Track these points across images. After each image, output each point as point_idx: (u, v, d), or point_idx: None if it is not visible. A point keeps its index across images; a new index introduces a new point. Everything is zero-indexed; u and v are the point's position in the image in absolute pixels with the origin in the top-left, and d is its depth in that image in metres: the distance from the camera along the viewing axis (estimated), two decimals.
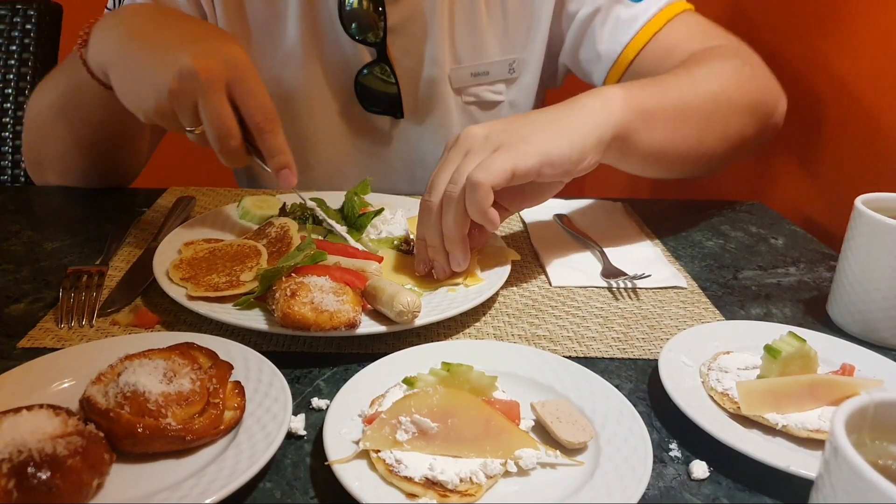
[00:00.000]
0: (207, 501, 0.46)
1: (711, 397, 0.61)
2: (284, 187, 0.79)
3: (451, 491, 0.49)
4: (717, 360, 0.65)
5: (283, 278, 0.69)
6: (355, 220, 0.88)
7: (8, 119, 1.29)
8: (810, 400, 0.59)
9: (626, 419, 0.56)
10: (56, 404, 0.52)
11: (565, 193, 0.87)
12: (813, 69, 1.15)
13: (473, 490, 0.49)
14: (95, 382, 0.55)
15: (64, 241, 0.89)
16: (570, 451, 0.54)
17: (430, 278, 0.78)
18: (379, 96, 1.08)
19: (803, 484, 0.48)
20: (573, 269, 0.86)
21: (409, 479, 0.49)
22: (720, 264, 0.90)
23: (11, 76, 1.30)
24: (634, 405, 0.58)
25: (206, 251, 0.79)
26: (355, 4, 1.01)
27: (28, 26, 1.31)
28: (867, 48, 1.04)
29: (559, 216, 0.99)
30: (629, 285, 0.82)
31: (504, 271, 0.79)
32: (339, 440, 0.52)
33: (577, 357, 0.69)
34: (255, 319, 0.68)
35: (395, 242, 0.85)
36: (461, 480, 0.49)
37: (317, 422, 0.57)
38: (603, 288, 0.83)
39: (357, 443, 0.52)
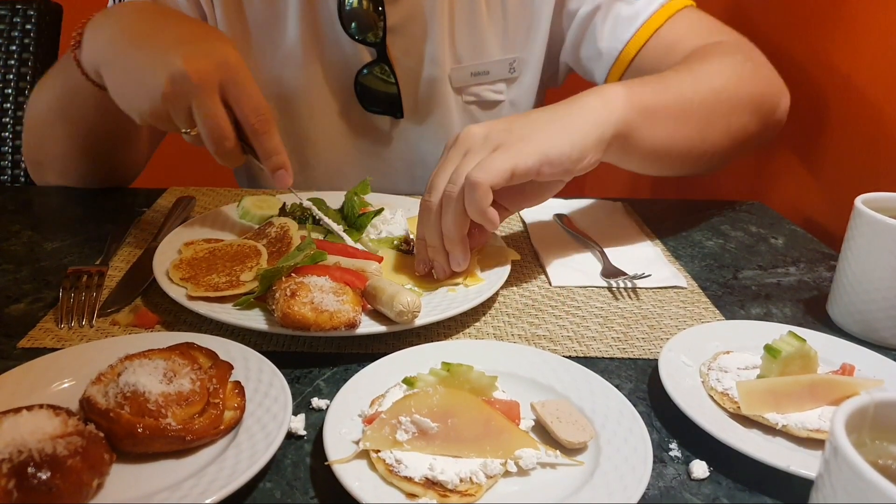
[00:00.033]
0: (207, 501, 0.46)
1: (711, 397, 0.61)
2: (280, 187, 0.79)
3: (451, 491, 0.49)
4: (717, 360, 0.65)
5: (283, 278, 0.69)
6: (355, 220, 0.88)
7: (8, 119, 1.29)
8: (810, 400, 0.59)
9: (626, 419, 0.56)
10: (56, 404, 0.52)
11: (565, 193, 0.87)
12: (813, 68, 1.15)
13: (473, 490, 0.49)
14: (95, 382, 0.55)
15: (64, 241, 0.89)
16: (570, 450, 0.54)
17: (430, 278, 0.78)
18: (379, 96, 1.08)
19: (803, 484, 0.48)
20: (573, 269, 0.86)
21: (409, 479, 0.49)
22: (720, 264, 0.90)
23: (11, 76, 1.30)
24: (634, 405, 0.58)
25: (206, 251, 0.79)
26: (355, 4, 1.00)
27: (28, 26, 1.31)
28: (868, 47, 1.04)
29: (559, 216, 0.99)
30: (629, 285, 0.82)
31: (504, 271, 0.79)
32: (339, 440, 0.52)
33: (577, 357, 0.69)
34: (255, 319, 0.68)
35: (395, 242, 0.85)
36: (461, 480, 0.50)
37: (317, 422, 0.57)
38: (603, 288, 0.83)
39: (357, 443, 0.52)
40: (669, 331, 0.74)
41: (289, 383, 0.58)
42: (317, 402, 0.60)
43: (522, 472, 0.52)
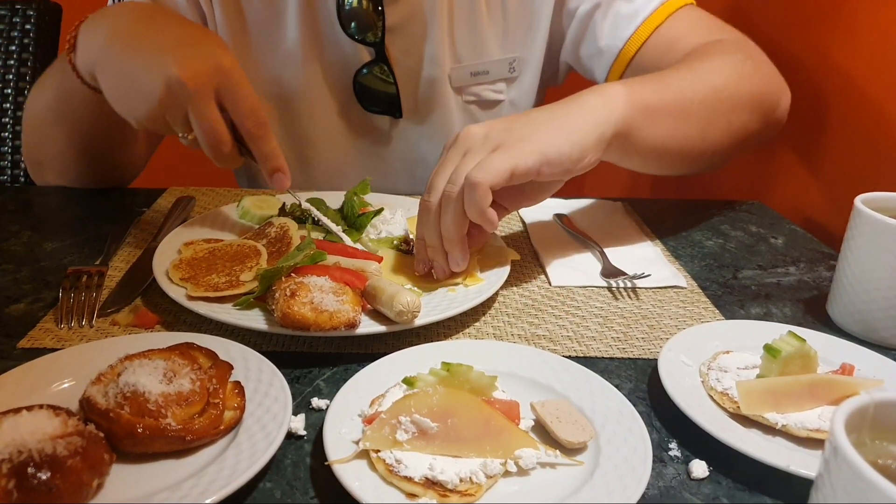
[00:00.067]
0: (207, 501, 0.46)
1: (711, 397, 0.61)
2: (278, 190, 0.79)
3: (450, 491, 0.49)
4: (717, 360, 0.65)
5: (283, 278, 0.69)
6: (355, 220, 0.88)
7: (7, 119, 1.29)
8: (810, 399, 0.59)
9: (625, 419, 0.56)
10: (56, 405, 0.52)
11: (565, 193, 0.87)
12: (813, 67, 1.15)
13: (473, 490, 0.49)
14: (95, 383, 0.55)
15: (64, 242, 0.89)
16: (569, 450, 0.54)
17: (429, 278, 0.78)
18: (378, 96, 1.08)
19: (803, 483, 0.48)
20: (573, 269, 0.86)
21: (409, 479, 0.49)
22: (720, 264, 0.90)
23: (11, 76, 1.30)
24: (634, 405, 0.58)
25: (205, 251, 0.79)
26: (354, 4, 1.00)
27: (27, 26, 1.31)
28: (868, 46, 1.04)
29: (559, 216, 0.99)
30: (629, 285, 0.82)
31: (504, 271, 0.79)
32: (339, 440, 0.53)
33: (576, 357, 0.69)
34: (254, 319, 0.68)
35: (395, 242, 0.85)
36: (461, 480, 0.50)
37: (317, 422, 0.57)
38: (603, 287, 0.83)
39: (357, 443, 0.52)
40: (669, 330, 0.74)
41: (289, 383, 0.58)
42: (317, 402, 0.60)
43: (522, 471, 0.52)
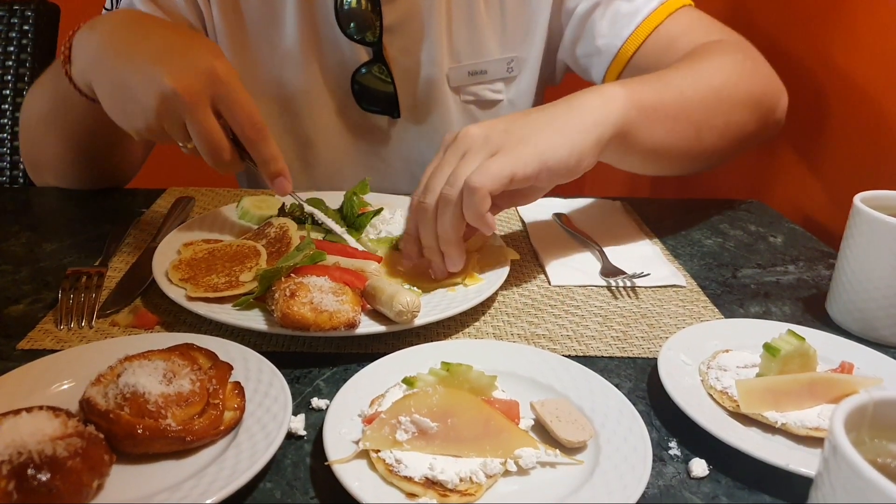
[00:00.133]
0: (208, 502, 0.46)
1: (711, 396, 0.61)
2: (280, 194, 0.79)
3: (451, 490, 0.49)
4: (717, 359, 0.65)
5: (283, 278, 0.69)
6: (354, 219, 0.88)
7: (6, 120, 1.29)
8: (809, 398, 0.59)
9: (625, 418, 0.56)
10: (56, 406, 0.52)
11: (564, 192, 0.87)
12: (812, 67, 1.16)
13: (473, 489, 0.49)
14: (95, 384, 0.55)
15: (63, 242, 0.89)
16: (569, 450, 0.54)
17: (428, 278, 0.78)
18: (377, 95, 1.08)
19: (803, 482, 0.48)
20: (572, 269, 0.86)
21: (409, 479, 0.49)
22: (719, 263, 0.90)
23: (9, 77, 1.29)
24: (634, 404, 0.58)
25: (205, 252, 0.79)
26: (353, 4, 1.00)
27: (25, 27, 1.31)
28: (868, 45, 1.04)
29: (558, 215, 0.99)
30: (628, 284, 0.82)
31: (503, 271, 0.79)
32: (339, 440, 0.53)
33: (576, 356, 0.69)
34: (254, 320, 0.68)
35: (395, 242, 0.85)
36: (461, 480, 0.50)
37: (317, 422, 0.57)
38: (602, 287, 0.83)
39: (357, 443, 0.52)
40: (668, 330, 0.74)
41: (288, 383, 0.58)
42: (316, 402, 0.60)
43: (522, 471, 0.52)
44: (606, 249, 0.88)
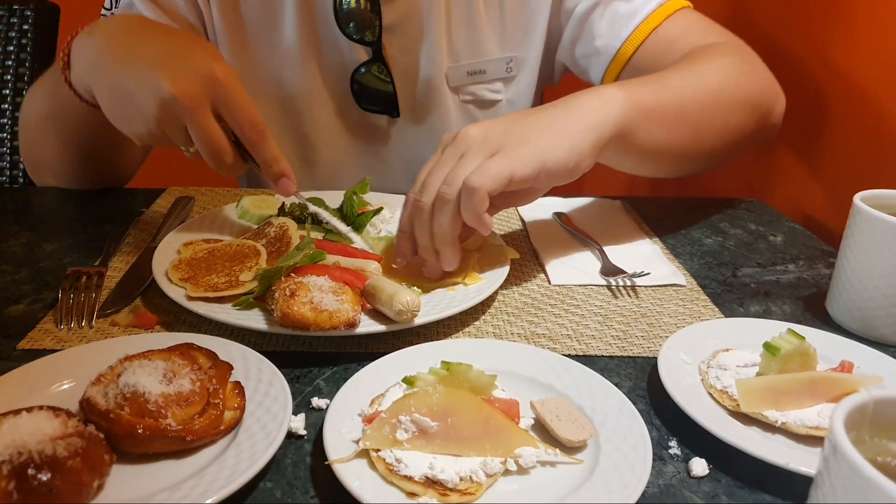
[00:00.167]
0: (208, 502, 0.46)
1: (711, 395, 0.61)
2: (284, 195, 0.79)
3: (451, 490, 0.49)
4: (717, 358, 0.65)
5: (283, 278, 0.69)
6: (354, 219, 0.88)
7: (6, 120, 1.29)
8: (809, 397, 0.59)
9: (625, 417, 0.56)
10: (56, 406, 0.52)
11: (564, 192, 0.87)
12: (812, 65, 1.16)
13: (473, 489, 0.49)
14: (95, 383, 0.55)
15: (63, 242, 0.89)
16: (569, 449, 0.54)
17: (423, 276, 0.78)
18: (376, 95, 1.08)
19: (803, 481, 0.48)
20: (572, 268, 0.86)
21: (409, 479, 0.49)
22: (719, 262, 0.90)
23: (9, 77, 1.29)
24: (634, 403, 0.58)
25: (205, 251, 0.79)
26: (352, 4, 1.00)
27: (25, 27, 1.30)
28: (867, 44, 1.04)
29: (558, 214, 0.99)
30: (628, 283, 0.82)
31: (503, 270, 0.79)
32: (339, 439, 0.53)
33: (576, 355, 0.69)
34: (254, 319, 0.68)
35: (395, 241, 0.85)
36: (461, 479, 0.50)
37: (317, 421, 0.57)
38: (602, 286, 0.83)
39: (357, 442, 0.52)
40: (668, 329, 0.74)
41: (288, 383, 0.58)
42: (317, 401, 0.60)
43: (522, 470, 0.52)
44: (606, 248, 0.89)
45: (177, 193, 1.03)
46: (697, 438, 0.57)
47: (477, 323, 0.74)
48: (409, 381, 0.56)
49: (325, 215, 0.85)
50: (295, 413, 0.58)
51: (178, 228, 0.87)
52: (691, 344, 0.67)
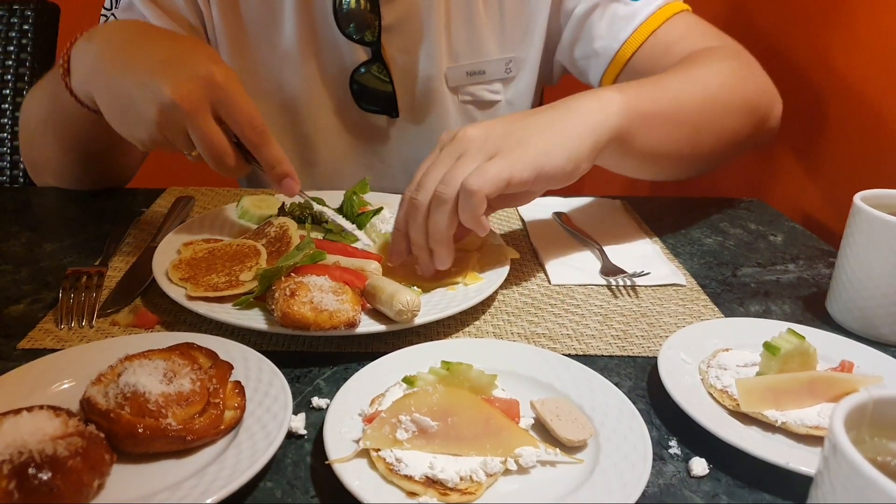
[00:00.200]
0: (208, 501, 0.46)
1: (711, 394, 0.61)
2: (288, 195, 0.79)
3: (451, 489, 0.49)
4: (717, 358, 0.65)
5: (283, 278, 0.69)
6: (354, 219, 0.88)
7: (6, 120, 1.29)
8: (809, 397, 0.59)
9: (625, 417, 0.56)
10: (56, 405, 0.52)
11: (564, 191, 0.87)
12: (812, 65, 1.16)
13: (473, 488, 0.49)
14: (95, 383, 0.55)
15: (63, 242, 0.89)
16: (569, 448, 0.54)
17: (427, 277, 0.78)
18: (376, 95, 1.08)
19: (803, 481, 0.48)
20: (572, 268, 0.86)
21: (409, 478, 0.49)
22: (719, 261, 0.90)
23: (9, 77, 1.30)
24: (634, 403, 0.58)
25: (205, 251, 0.79)
26: (352, 4, 1.00)
27: (25, 27, 1.31)
28: (867, 44, 1.04)
29: (558, 214, 0.99)
30: (628, 283, 0.82)
31: (503, 270, 0.79)
32: (340, 439, 0.53)
33: (576, 355, 0.69)
34: (254, 319, 0.68)
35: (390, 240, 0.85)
36: (461, 479, 0.50)
37: (317, 421, 0.57)
38: (602, 286, 0.83)
39: (357, 442, 0.52)
40: (668, 328, 0.74)
41: (289, 382, 0.58)
42: (317, 401, 0.60)
43: (522, 470, 0.52)
44: (606, 248, 0.89)
45: (177, 193, 1.03)
46: (697, 438, 0.57)
47: (477, 323, 0.74)
48: (409, 380, 0.56)
49: (329, 214, 0.85)
50: (295, 413, 0.58)
51: (178, 228, 0.87)
52: (691, 344, 0.67)
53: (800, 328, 0.66)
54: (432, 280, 0.77)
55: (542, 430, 0.56)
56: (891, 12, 0.98)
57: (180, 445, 0.52)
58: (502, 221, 1.00)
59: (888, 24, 0.99)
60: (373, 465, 0.51)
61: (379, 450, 0.51)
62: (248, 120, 0.73)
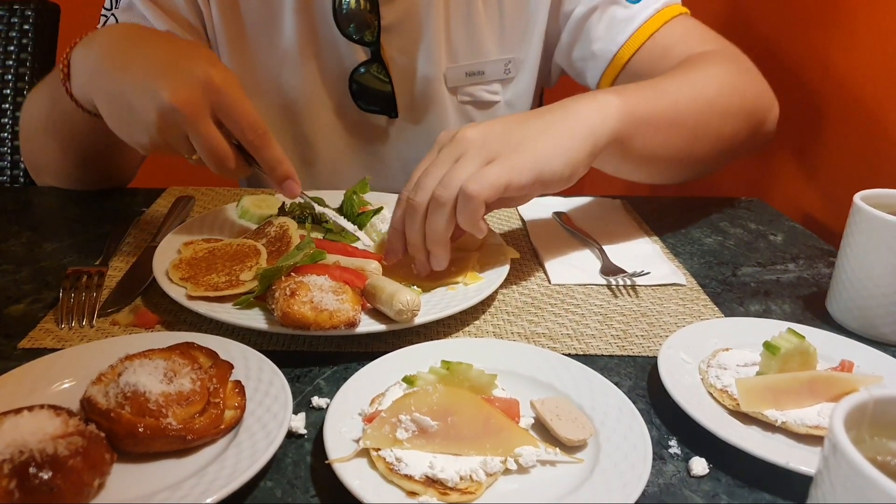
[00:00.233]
0: (208, 501, 0.46)
1: (711, 394, 0.61)
2: (290, 197, 0.79)
3: (451, 489, 0.49)
4: (717, 357, 0.65)
5: (283, 277, 0.69)
6: (354, 218, 0.88)
7: (7, 120, 1.29)
8: (809, 396, 0.59)
9: (625, 416, 0.56)
10: (57, 405, 0.52)
11: (564, 191, 0.87)
12: (812, 65, 1.16)
13: (473, 488, 0.50)
14: (96, 383, 0.55)
15: (63, 242, 0.89)
16: (569, 448, 0.54)
17: (428, 276, 0.78)
18: (375, 95, 1.08)
19: (802, 480, 0.48)
20: (572, 267, 0.86)
21: (409, 478, 0.49)
22: (719, 261, 0.90)
23: (10, 77, 1.30)
24: (634, 402, 0.58)
25: (205, 251, 0.79)
26: (352, 5, 1.00)
27: (26, 26, 1.31)
28: (866, 44, 1.04)
29: (558, 214, 0.99)
30: (628, 283, 0.82)
31: (503, 269, 0.79)
32: (340, 439, 0.53)
33: (576, 355, 0.69)
34: (254, 319, 0.68)
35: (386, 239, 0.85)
36: (461, 478, 0.50)
37: (317, 420, 0.57)
38: (602, 285, 0.83)
39: (357, 441, 0.52)
40: (668, 328, 0.74)
41: (289, 382, 0.58)
42: (317, 400, 0.60)
43: (522, 469, 0.52)
44: (606, 248, 0.89)
45: (177, 193, 1.03)
46: (697, 438, 0.57)
47: (477, 322, 0.74)
48: (409, 380, 0.56)
49: (330, 214, 0.85)
50: (295, 412, 0.58)
51: (178, 228, 0.87)
52: (691, 343, 0.67)
53: (800, 328, 0.66)
54: (432, 280, 0.77)
55: (542, 429, 0.56)
56: (889, 12, 0.99)
57: (180, 445, 0.52)
58: (502, 221, 1.00)
59: (887, 25, 0.99)
60: (373, 464, 0.51)
61: (379, 449, 0.51)
62: (247, 122, 0.73)
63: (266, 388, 0.58)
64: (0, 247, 0.87)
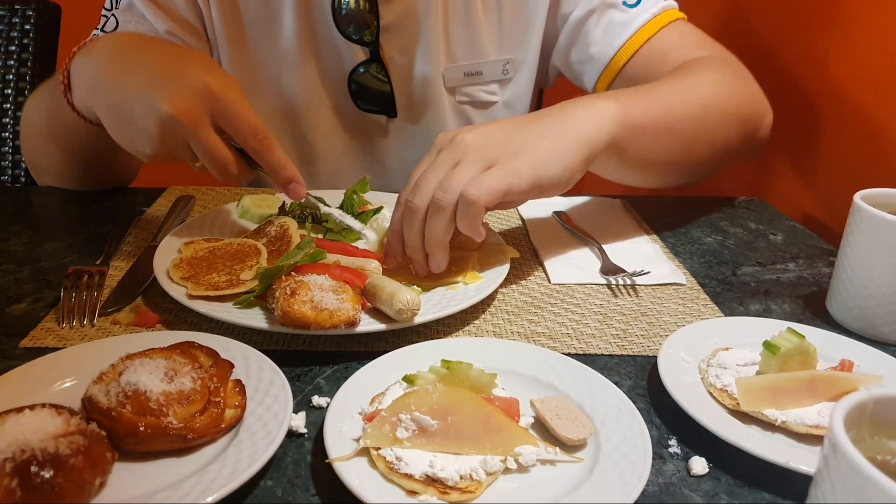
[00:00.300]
0: (209, 500, 0.47)
1: (710, 394, 0.61)
2: (295, 199, 0.79)
3: (451, 488, 0.49)
4: (717, 357, 0.65)
5: (283, 277, 0.69)
6: (355, 218, 0.88)
7: (8, 119, 1.29)
8: (809, 396, 0.59)
9: (625, 416, 0.56)
10: (58, 404, 0.52)
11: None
12: (811, 65, 1.16)
13: (473, 487, 0.50)
14: (97, 382, 0.55)
15: (64, 241, 0.89)
16: (569, 447, 0.54)
17: (428, 276, 0.78)
18: (375, 95, 1.08)
19: (802, 480, 0.48)
20: (572, 267, 0.86)
21: (409, 477, 0.49)
22: (719, 261, 0.90)
23: (11, 77, 1.30)
24: (634, 402, 0.58)
25: (205, 250, 0.79)
26: (351, 4, 1.01)
27: (27, 27, 1.31)
28: (865, 45, 1.04)
29: (558, 213, 0.99)
30: (628, 282, 0.83)
31: (503, 269, 0.79)
32: (340, 438, 0.53)
33: (576, 354, 0.69)
34: (255, 318, 0.68)
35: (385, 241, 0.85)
36: (461, 477, 0.50)
37: (317, 420, 0.57)
38: (602, 285, 0.83)
39: (357, 440, 0.52)
40: (668, 328, 0.74)
41: (289, 381, 0.58)
42: (317, 399, 0.60)
43: (522, 468, 0.52)
44: (606, 247, 0.89)
45: (177, 193, 1.03)
46: (697, 437, 0.57)
47: (477, 322, 0.75)
48: (409, 379, 0.56)
49: (337, 214, 0.85)
50: (295, 411, 0.58)
51: (178, 228, 0.87)
52: (691, 343, 0.67)
53: (800, 327, 0.66)
54: (432, 279, 0.77)
55: (542, 428, 0.56)
56: (888, 13, 0.99)
57: (181, 444, 0.52)
58: (502, 221, 1.00)
59: (886, 24, 0.99)
60: (373, 463, 0.51)
61: (379, 448, 0.51)
62: (248, 128, 0.73)
63: (266, 388, 0.58)
64: (1, 246, 0.88)
